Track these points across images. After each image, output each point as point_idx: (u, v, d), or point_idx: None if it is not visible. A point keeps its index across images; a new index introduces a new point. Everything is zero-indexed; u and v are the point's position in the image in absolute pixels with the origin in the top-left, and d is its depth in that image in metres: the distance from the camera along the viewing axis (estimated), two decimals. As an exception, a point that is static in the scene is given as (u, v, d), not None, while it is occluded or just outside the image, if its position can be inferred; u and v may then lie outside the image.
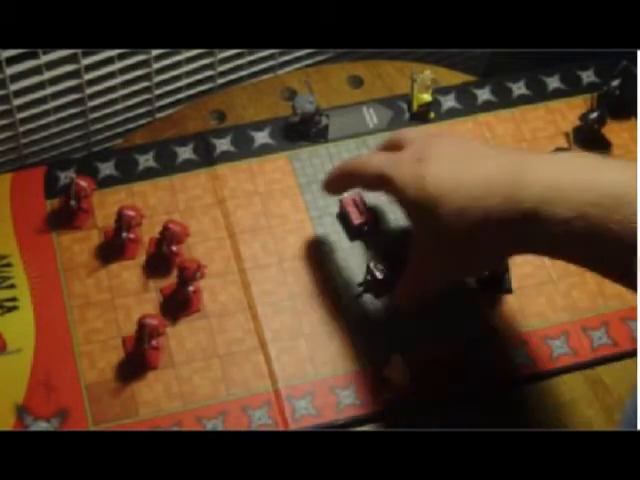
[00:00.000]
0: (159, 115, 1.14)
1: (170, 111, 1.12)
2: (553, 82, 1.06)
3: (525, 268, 0.93)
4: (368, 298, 0.90)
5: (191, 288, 0.87)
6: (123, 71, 1.07)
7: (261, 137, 0.99)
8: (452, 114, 1.02)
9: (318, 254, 0.92)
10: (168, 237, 0.89)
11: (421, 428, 0.84)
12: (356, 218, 0.93)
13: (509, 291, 0.91)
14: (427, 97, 1.00)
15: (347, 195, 0.93)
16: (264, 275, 0.91)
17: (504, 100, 1.04)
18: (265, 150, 0.98)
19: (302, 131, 0.98)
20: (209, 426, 0.82)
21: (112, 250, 0.90)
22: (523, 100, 1.04)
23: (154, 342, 0.84)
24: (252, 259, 0.92)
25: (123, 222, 0.89)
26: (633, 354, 0.89)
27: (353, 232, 0.94)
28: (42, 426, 0.81)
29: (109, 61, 1.05)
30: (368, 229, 0.93)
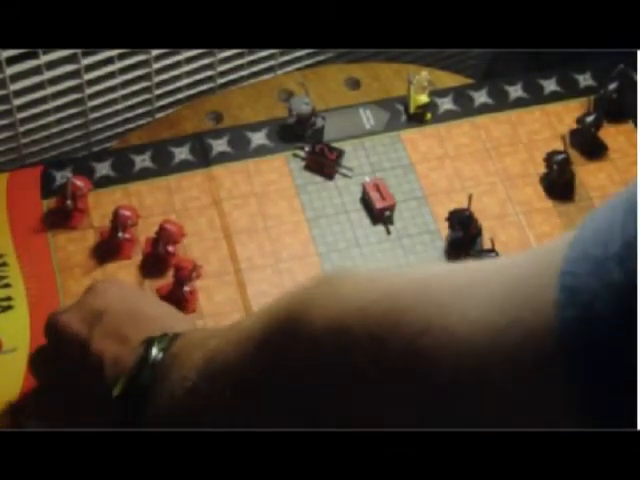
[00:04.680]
0: (159, 115, 1.15)
1: (170, 111, 1.13)
2: (550, 85, 1.06)
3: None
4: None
5: (187, 288, 0.88)
6: (123, 71, 1.08)
7: (258, 138, 0.99)
8: (449, 116, 1.03)
9: (314, 255, 0.93)
10: (164, 237, 0.89)
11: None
12: (379, 202, 0.94)
13: (479, 253, 0.91)
14: (424, 98, 1.01)
15: (369, 179, 0.95)
16: (260, 276, 0.91)
17: (501, 103, 1.04)
18: (262, 151, 0.99)
19: (298, 132, 0.99)
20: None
21: (108, 250, 0.91)
22: (520, 103, 1.04)
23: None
24: (248, 260, 0.92)
25: (119, 222, 0.89)
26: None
27: (376, 216, 0.95)
28: (36, 426, 0.81)
29: (109, 61, 1.06)
30: (390, 213, 0.95)
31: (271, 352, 0.57)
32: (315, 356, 0.53)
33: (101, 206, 0.93)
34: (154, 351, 0.66)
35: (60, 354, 0.73)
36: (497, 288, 0.45)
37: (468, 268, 0.50)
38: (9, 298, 0.87)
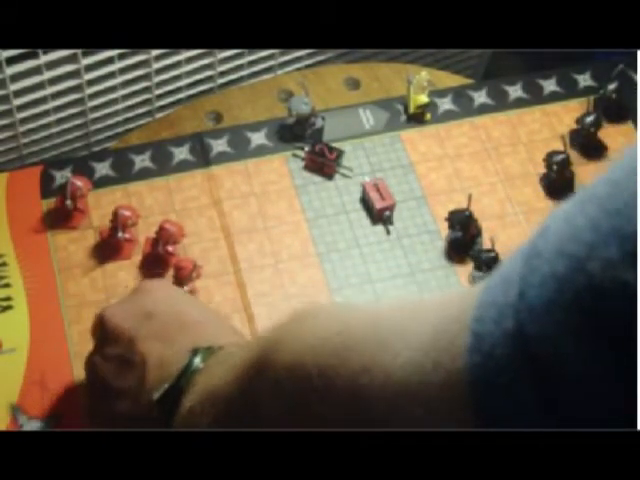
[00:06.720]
0: (159, 115, 1.15)
1: (170, 111, 1.13)
2: (550, 85, 1.06)
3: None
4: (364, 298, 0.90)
5: (186, 288, 0.88)
6: (123, 71, 1.08)
7: (257, 138, 0.99)
8: (448, 117, 1.03)
9: (314, 255, 0.93)
10: (164, 237, 0.89)
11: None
12: (378, 202, 0.94)
13: (479, 253, 0.91)
14: (424, 98, 1.01)
15: (369, 179, 0.95)
16: (260, 276, 0.91)
17: (500, 103, 1.04)
18: (261, 151, 0.99)
19: (297, 132, 0.99)
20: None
21: (108, 250, 0.91)
22: (519, 103, 1.04)
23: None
24: (248, 260, 0.92)
25: (119, 222, 0.89)
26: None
27: (375, 216, 0.95)
28: (36, 426, 0.81)
29: (109, 61, 1.06)
30: (390, 214, 0.95)
31: (244, 385, 0.59)
32: (278, 393, 0.55)
33: (101, 206, 0.93)
34: (196, 361, 0.67)
35: (104, 349, 0.73)
36: (426, 329, 0.45)
37: (414, 305, 0.51)
38: (9, 298, 0.87)
